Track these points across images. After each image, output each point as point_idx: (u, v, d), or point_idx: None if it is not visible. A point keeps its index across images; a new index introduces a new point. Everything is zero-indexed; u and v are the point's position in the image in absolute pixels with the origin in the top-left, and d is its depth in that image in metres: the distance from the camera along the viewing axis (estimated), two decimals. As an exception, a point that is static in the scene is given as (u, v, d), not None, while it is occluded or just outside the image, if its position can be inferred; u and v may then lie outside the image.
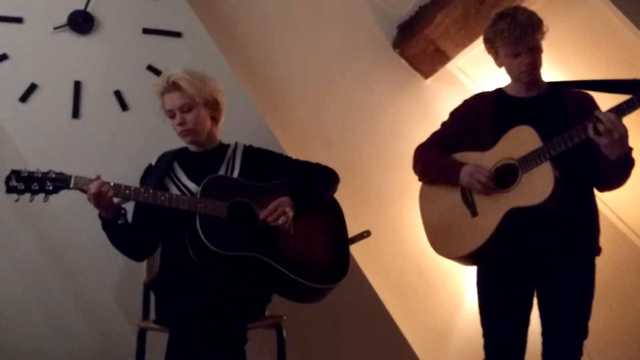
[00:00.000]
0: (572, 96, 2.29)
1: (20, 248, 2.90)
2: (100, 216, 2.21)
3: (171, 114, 2.38)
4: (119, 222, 2.21)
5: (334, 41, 3.75)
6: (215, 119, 2.46)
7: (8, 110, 2.77)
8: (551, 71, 3.22)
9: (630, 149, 2.08)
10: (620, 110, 2.00)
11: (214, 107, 2.42)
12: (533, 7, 3.03)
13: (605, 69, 2.73)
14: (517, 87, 2.34)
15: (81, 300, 2.92)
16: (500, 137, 2.26)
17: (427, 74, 3.83)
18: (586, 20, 3.00)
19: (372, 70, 3.78)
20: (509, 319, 2.25)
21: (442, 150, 2.40)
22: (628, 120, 2.01)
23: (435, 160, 2.40)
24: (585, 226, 2.24)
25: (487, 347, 2.28)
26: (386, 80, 3.78)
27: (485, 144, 2.29)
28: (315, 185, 2.45)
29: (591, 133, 2.01)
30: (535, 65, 2.24)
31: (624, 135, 1.99)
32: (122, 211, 2.23)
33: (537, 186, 2.11)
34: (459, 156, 2.35)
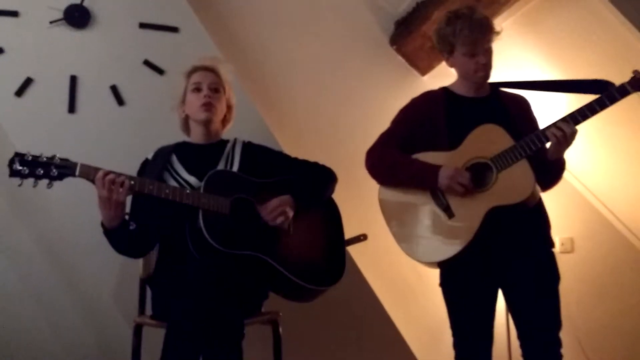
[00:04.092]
0: (511, 98, 2.38)
1: (16, 243, 2.89)
2: (103, 225, 2.14)
3: (197, 87, 2.42)
4: (131, 227, 2.16)
5: (331, 37, 3.75)
6: (224, 120, 2.52)
7: (4, 105, 2.77)
8: (550, 70, 3.23)
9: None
10: (592, 111, 2.12)
11: (229, 108, 2.52)
12: (529, 6, 3.06)
13: (603, 68, 2.73)
14: (467, 87, 2.36)
15: (77, 296, 2.92)
16: (458, 136, 2.27)
17: (424, 71, 3.83)
18: (584, 20, 2.99)
19: (369, 67, 3.78)
20: (475, 318, 2.26)
21: (402, 152, 2.34)
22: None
23: (403, 163, 2.32)
24: (543, 221, 2.29)
25: (456, 345, 2.29)
26: (383, 77, 3.78)
27: (442, 144, 2.29)
28: (315, 185, 2.46)
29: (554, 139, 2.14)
30: (490, 65, 2.30)
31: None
32: (127, 217, 2.17)
33: (518, 184, 2.13)
34: (423, 157, 2.31)
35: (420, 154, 2.32)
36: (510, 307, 2.26)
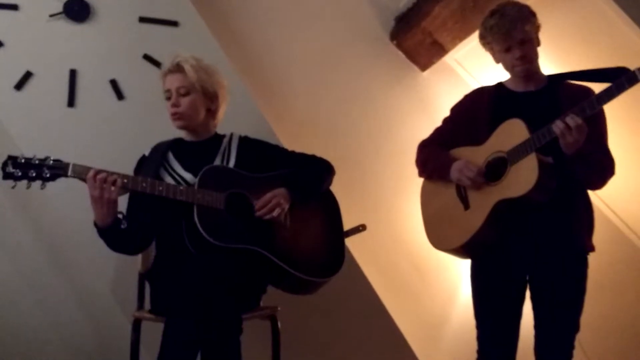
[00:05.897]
0: (570, 90, 2.27)
1: (15, 238, 2.89)
2: (96, 224, 2.14)
3: (168, 95, 2.39)
4: (122, 226, 2.16)
5: (331, 32, 3.73)
6: (211, 111, 2.45)
7: (3, 98, 2.76)
8: (548, 66, 3.22)
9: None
10: (609, 95, 1.99)
11: (211, 98, 2.42)
12: (530, 3, 3.04)
13: (604, 65, 2.72)
14: (516, 82, 2.35)
15: (76, 290, 2.92)
16: None
17: (424, 66, 3.82)
18: (583, 16, 2.99)
19: (369, 62, 3.77)
20: (501, 312, 2.27)
21: (440, 146, 2.43)
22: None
23: (433, 157, 2.42)
24: (575, 222, 2.23)
25: (480, 338, 2.31)
26: (383, 72, 3.77)
27: (483, 139, 2.31)
28: (311, 177, 2.45)
29: (557, 131, 2.03)
30: (528, 57, 2.24)
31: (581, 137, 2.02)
32: (120, 215, 2.17)
33: (522, 177, 2.12)
34: (455, 152, 2.38)
35: (456, 149, 2.39)
36: (533, 303, 2.25)
